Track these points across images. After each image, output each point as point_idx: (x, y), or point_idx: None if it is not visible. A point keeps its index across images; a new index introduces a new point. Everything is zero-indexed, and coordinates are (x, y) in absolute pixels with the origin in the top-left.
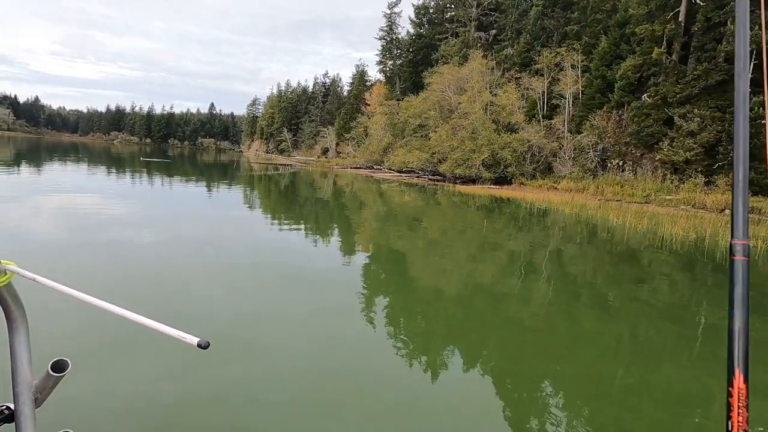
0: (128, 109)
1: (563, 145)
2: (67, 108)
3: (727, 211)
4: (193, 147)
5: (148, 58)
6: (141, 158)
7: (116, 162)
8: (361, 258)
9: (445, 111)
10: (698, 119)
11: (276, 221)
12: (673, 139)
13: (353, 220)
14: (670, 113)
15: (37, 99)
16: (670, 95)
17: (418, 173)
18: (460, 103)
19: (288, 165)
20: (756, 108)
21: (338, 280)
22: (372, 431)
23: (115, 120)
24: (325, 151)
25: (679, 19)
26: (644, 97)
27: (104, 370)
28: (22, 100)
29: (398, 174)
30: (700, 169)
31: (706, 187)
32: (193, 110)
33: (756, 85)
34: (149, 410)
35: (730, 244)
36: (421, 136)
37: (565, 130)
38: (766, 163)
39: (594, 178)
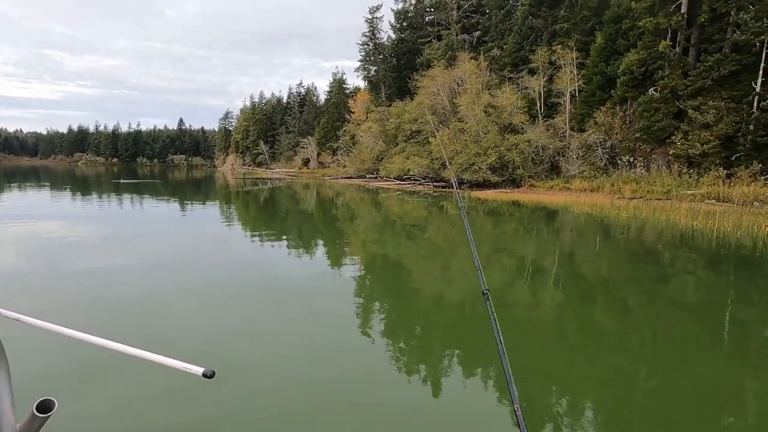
0: (92, 129)
1: (569, 144)
2: (25, 130)
3: (756, 203)
4: (163, 165)
5: (109, 76)
6: (119, 180)
7: (88, 185)
8: (358, 270)
9: (440, 115)
10: (713, 111)
11: (271, 238)
12: (687, 132)
13: (353, 230)
14: (681, 106)
15: None
16: (680, 88)
17: (420, 180)
18: (460, 106)
19: (276, 178)
20: None
21: (334, 293)
22: None
23: (78, 140)
24: (306, 161)
25: (682, 11)
26: (651, 91)
27: (86, 403)
28: None
29: (397, 182)
30: (717, 162)
31: (727, 180)
32: (161, 127)
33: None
34: None
35: None
36: (417, 142)
37: (567, 129)
38: None
39: (607, 176)
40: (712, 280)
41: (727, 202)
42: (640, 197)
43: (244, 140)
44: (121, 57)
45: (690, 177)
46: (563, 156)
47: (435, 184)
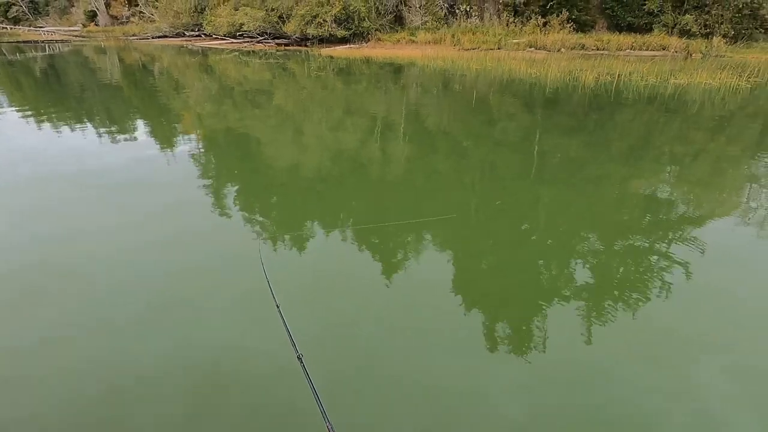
0: None
1: None
2: None
3: (563, 50)
4: None
5: None
6: None
7: None
8: (198, 149)
9: None
10: None
11: (69, 121)
12: None
13: (183, 103)
14: None
15: None
16: None
17: (258, 38)
18: None
19: (55, 41)
20: None
21: (171, 178)
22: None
23: None
24: (93, 16)
25: None
26: None
27: None
28: None
29: (231, 41)
30: (536, 10)
31: (543, 28)
32: None
33: None
34: None
35: None
36: None
37: None
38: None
39: (447, 27)
40: (531, 119)
41: (543, 49)
42: (477, 48)
43: None
44: None
45: (516, 26)
46: (406, 5)
47: (277, 41)
